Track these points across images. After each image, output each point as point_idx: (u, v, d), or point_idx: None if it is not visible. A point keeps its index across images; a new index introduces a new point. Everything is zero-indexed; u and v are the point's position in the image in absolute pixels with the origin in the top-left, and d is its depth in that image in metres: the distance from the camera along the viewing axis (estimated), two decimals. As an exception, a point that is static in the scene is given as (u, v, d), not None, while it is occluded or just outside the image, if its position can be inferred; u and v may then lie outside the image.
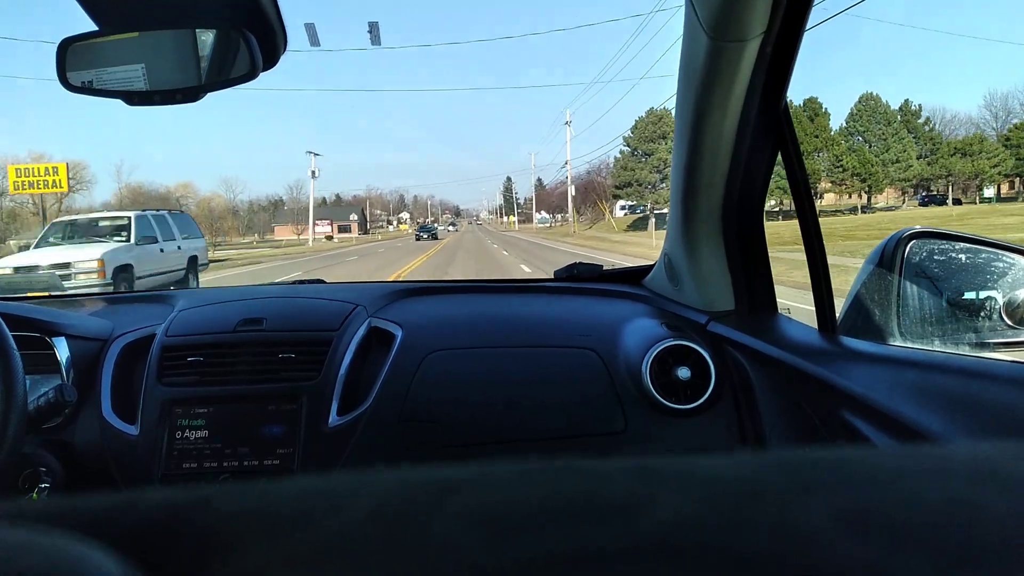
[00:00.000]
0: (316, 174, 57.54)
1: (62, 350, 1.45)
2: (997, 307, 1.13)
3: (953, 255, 1.21)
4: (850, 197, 53.17)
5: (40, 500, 1.31)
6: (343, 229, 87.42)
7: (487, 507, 0.27)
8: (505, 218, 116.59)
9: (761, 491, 0.28)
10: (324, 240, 62.32)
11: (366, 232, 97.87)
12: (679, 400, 1.37)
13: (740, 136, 1.24)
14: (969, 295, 1.17)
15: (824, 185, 49.57)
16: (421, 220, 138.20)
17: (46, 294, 2.10)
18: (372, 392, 1.43)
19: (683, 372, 1.38)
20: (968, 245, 1.20)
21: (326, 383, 1.42)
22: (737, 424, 1.37)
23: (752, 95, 1.17)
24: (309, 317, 1.59)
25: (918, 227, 1.22)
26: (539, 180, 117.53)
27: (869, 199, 52.37)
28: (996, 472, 0.30)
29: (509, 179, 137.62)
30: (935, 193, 52.29)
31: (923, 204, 49.94)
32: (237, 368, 1.44)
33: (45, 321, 1.46)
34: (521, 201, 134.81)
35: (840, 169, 49.41)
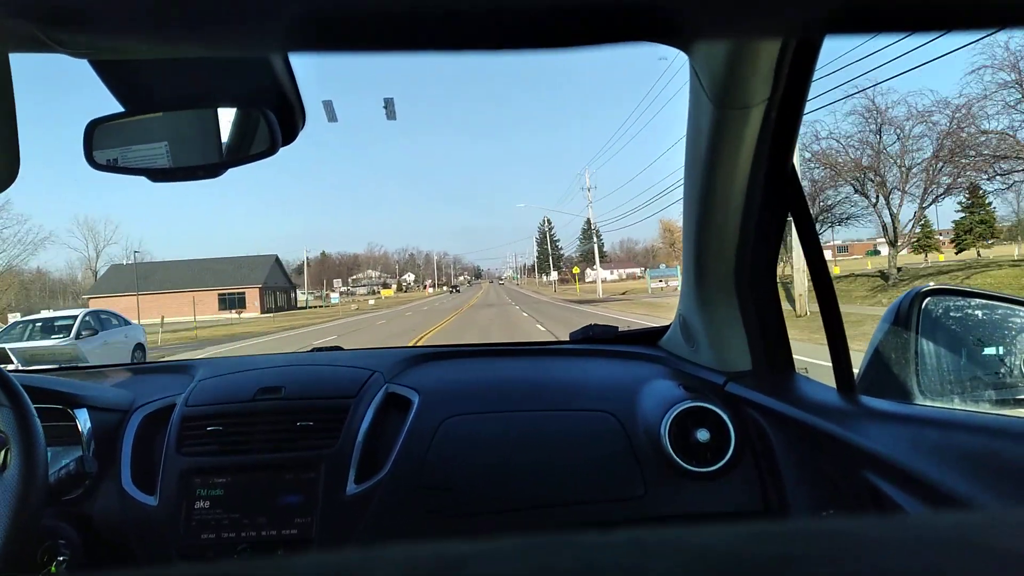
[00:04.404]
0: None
1: (84, 422, 1.46)
2: (1017, 363, 1.12)
3: (969, 311, 1.20)
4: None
5: (60, 574, 1.30)
6: (232, 303, 56.00)
7: None
8: (552, 274, 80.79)
9: (749, 564, 0.28)
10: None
11: (287, 308, 65.25)
12: (699, 463, 1.36)
13: (749, 199, 1.25)
14: (988, 351, 1.16)
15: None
16: (429, 282, 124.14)
17: (68, 366, 2.13)
18: (390, 459, 1.42)
19: (702, 434, 1.36)
20: (984, 301, 1.20)
21: (344, 450, 1.42)
22: (759, 486, 1.35)
23: (759, 159, 1.19)
24: (327, 384, 1.59)
25: (933, 284, 1.22)
26: (588, 221, 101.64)
27: None
28: (981, 543, 0.30)
29: (548, 221, 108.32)
30: None
31: None
32: (256, 437, 1.44)
33: (67, 393, 1.48)
34: (564, 255, 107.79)
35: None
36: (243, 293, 57.92)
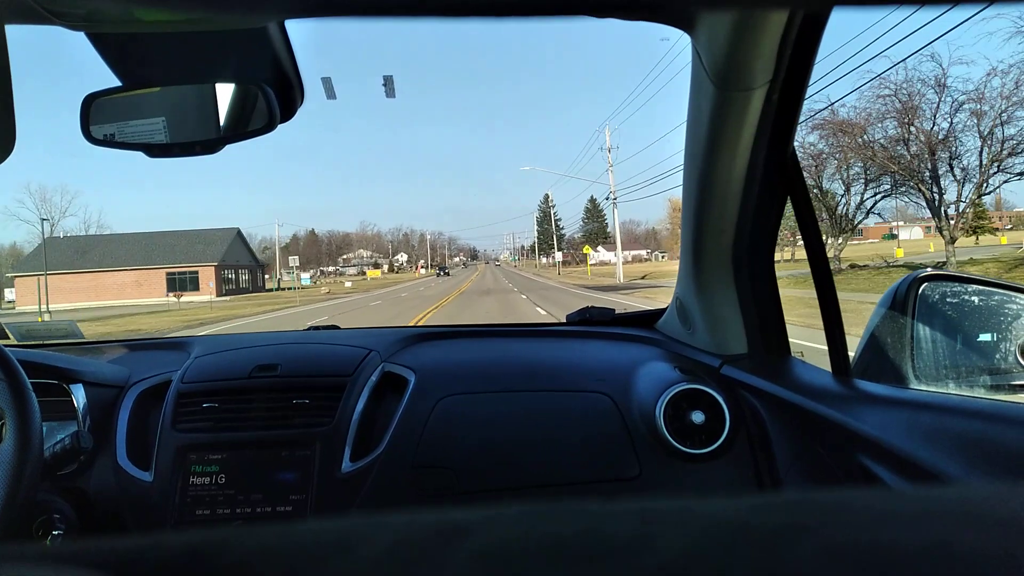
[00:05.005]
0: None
1: (79, 397, 1.46)
2: (1012, 349, 1.12)
3: (966, 297, 1.21)
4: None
5: (62, 543, 1.31)
6: (183, 284, 46.60)
7: (495, 548, 0.28)
8: (556, 255, 70.40)
9: (756, 531, 0.28)
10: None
11: (251, 289, 55.45)
12: (694, 445, 1.36)
13: (749, 182, 1.25)
14: (984, 337, 1.17)
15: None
16: (421, 263, 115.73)
17: (65, 341, 2.13)
18: (385, 437, 1.43)
19: (697, 416, 1.37)
20: (981, 287, 1.20)
21: (339, 428, 1.43)
22: (753, 468, 1.36)
23: (760, 142, 1.18)
24: (323, 363, 1.60)
25: (930, 269, 1.22)
26: (592, 199, 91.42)
27: None
28: (980, 514, 0.30)
29: (548, 197, 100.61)
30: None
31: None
32: (251, 414, 1.45)
33: (63, 368, 1.48)
34: (566, 235, 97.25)
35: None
36: (195, 272, 48.96)
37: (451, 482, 1.40)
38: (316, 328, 1.97)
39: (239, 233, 55.87)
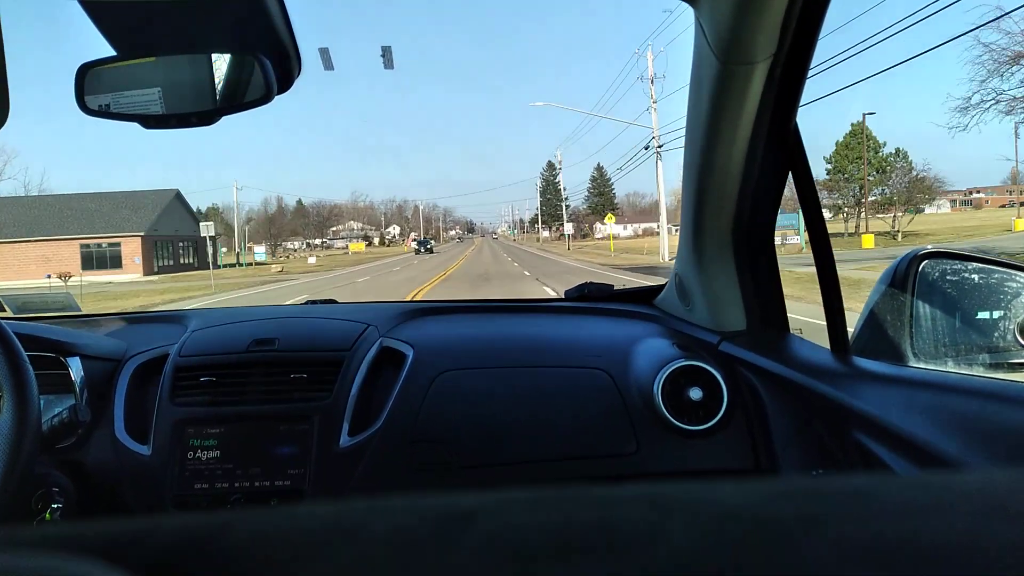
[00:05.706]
0: None
1: (76, 370, 1.46)
2: (1011, 327, 1.12)
3: (966, 275, 1.20)
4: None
5: (60, 524, 1.32)
6: (101, 260, 37.09)
7: (502, 535, 0.27)
8: (567, 226, 58.76)
9: (769, 521, 0.28)
10: None
11: (196, 266, 43.39)
12: (691, 421, 1.37)
13: (750, 157, 1.24)
14: (983, 315, 1.16)
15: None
16: (413, 236, 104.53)
17: (62, 314, 2.13)
18: (383, 412, 1.43)
19: (695, 393, 1.37)
20: (981, 265, 1.19)
21: (337, 403, 1.43)
22: (750, 445, 1.36)
23: (762, 116, 1.17)
24: (321, 337, 1.59)
25: (930, 247, 1.21)
26: (598, 167, 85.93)
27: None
28: (1003, 504, 0.30)
29: (552, 164, 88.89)
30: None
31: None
32: (249, 388, 1.45)
33: (60, 341, 1.47)
34: (571, 205, 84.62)
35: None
36: (117, 244, 38.26)
37: (448, 456, 1.41)
38: (313, 302, 1.97)
39: (178, 195, 45.04)
